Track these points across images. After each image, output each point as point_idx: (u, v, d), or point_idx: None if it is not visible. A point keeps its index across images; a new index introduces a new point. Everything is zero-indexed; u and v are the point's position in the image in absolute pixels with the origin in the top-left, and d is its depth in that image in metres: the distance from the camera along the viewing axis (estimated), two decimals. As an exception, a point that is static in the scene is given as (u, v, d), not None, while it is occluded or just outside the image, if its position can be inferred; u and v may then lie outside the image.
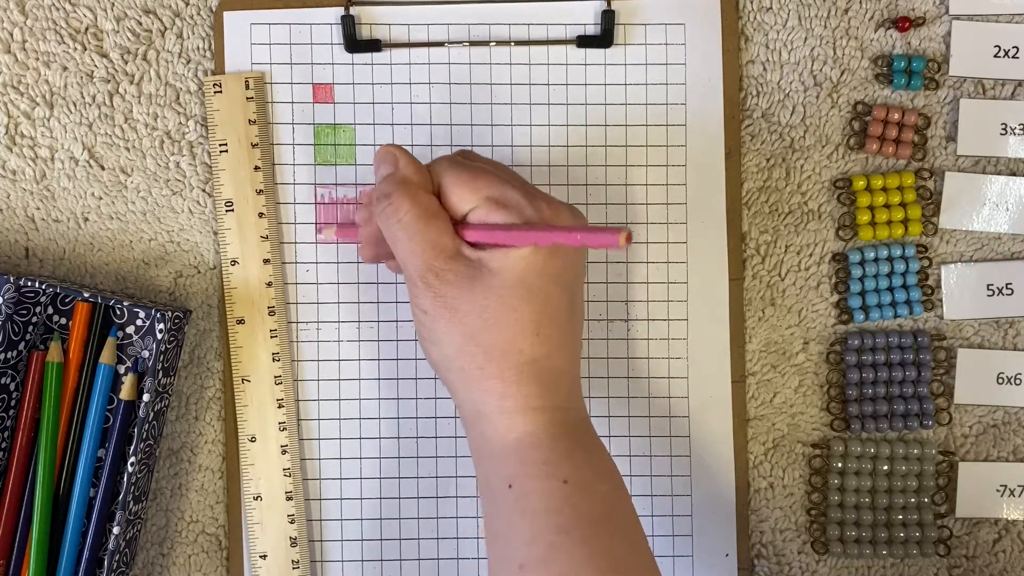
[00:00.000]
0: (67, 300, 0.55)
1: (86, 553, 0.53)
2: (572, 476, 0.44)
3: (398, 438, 0.57)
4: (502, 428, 0.45)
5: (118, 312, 0.55)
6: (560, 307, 0.46)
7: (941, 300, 0.58)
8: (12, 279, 0.51)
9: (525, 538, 0.43)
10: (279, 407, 0.56)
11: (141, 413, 0.53)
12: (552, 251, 0.45)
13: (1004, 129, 0.57)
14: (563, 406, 0.46)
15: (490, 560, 0.46)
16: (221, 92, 0.55)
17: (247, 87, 0.55)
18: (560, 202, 0.47)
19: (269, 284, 0.56)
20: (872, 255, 0.57)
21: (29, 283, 0.52)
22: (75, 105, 0.56)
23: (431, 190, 0.47)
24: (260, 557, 0.56)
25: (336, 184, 0.57)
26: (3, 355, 0.52)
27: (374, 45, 0.56)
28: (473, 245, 0.46)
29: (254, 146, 0.55)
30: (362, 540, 0.57)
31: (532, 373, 0.45)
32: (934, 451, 0.57)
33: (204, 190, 0.56)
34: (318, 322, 0.57)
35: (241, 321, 0.56)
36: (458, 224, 0.46)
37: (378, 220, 0.47)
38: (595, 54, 0.57)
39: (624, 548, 0.44)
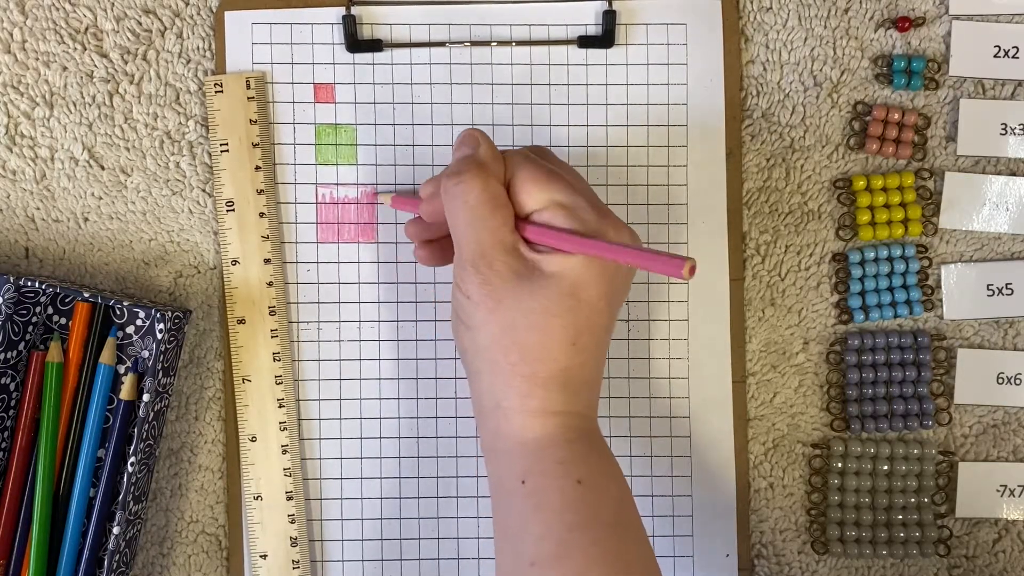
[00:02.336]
0: (67, 300, 0.54)
1: (86, 553, 0.53)
2: (586, 477, 0.44)
3: (399, 438, 0.57)
4: (519, 426, 0.45)
5: (118, 312, 0.55)
6: (601, 322, 0.46)
7: (941, 300, 0.58)
8: (12, 279, 0.51)
9: (537, 535, 0.43)
10: (280, 407, 0.56)
11: (141, 413, 0.53)
12: (607, 267, 0.45)
13: (1004, 129, 0.57)
14: (582, 412, 0.46)
15: (499, 556, 0.45)
16: (222, 92, 0.55)
17: (248, 87, 0.55)
18: (623, 223, 0.47)
19: (270, 284, 0.56)
20: (872, 255, 0.57)
21: (29, 283, 0.52)
22: (75, 105, 0.56)
23: (503, 181, 0.46)
24: (260, 557, 0.55)
25: (337, 184, 0.56)
26: (3, 355, 0.52)
27: (375, 45, 0.56)
28: (530, 244, 0.45)
29: (255, 146, 0.55)
30: (362, 540, 0.57)
31: (561, 380, 0.45)
32: (934, 451, 0.57)
33: (204, 190, 0.56)
34: (319, 322, 0.57)
35: (242, 321, 0.56)
36: (520, 220, 0.46)
37: (444, 197, 0.46)
38: (596, 54, 0.57)
39: (634, 550, 0.44)
